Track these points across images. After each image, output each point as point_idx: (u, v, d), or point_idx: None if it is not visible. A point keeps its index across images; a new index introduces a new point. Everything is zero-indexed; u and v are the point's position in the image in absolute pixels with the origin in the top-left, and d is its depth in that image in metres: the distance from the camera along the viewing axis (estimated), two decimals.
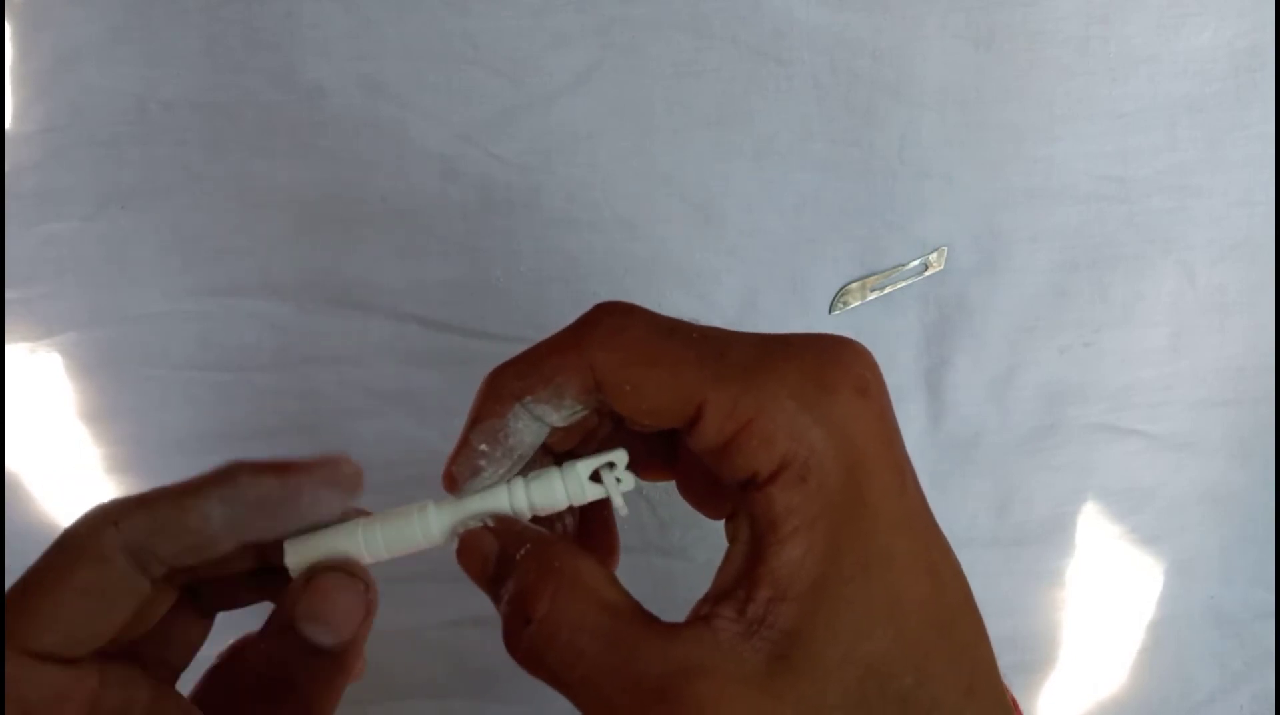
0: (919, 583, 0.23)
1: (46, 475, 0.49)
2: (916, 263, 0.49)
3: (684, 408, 0.23)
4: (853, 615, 0.22)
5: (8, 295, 0.48)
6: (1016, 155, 0.49)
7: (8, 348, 0.48)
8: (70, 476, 0.49)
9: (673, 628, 0.23)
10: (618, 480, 0.25)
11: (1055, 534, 0.51)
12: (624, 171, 0.48)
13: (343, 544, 0.26)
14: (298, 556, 0.26)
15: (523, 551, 0.24)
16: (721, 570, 0.24)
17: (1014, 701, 0.23)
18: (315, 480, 0.26)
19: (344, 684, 0.26)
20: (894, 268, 0.49)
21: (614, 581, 0.24)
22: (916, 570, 0.23)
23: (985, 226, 0.49)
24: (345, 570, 0.25)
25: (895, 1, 0.48)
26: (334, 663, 0.25)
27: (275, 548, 0.26)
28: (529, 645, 0.23)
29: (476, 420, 0.25)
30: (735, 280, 0.49)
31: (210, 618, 0.29)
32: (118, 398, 0.48)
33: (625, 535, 0.50)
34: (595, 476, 0.26)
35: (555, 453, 0.27)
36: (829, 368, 0.23)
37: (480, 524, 0.25)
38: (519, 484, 0.26)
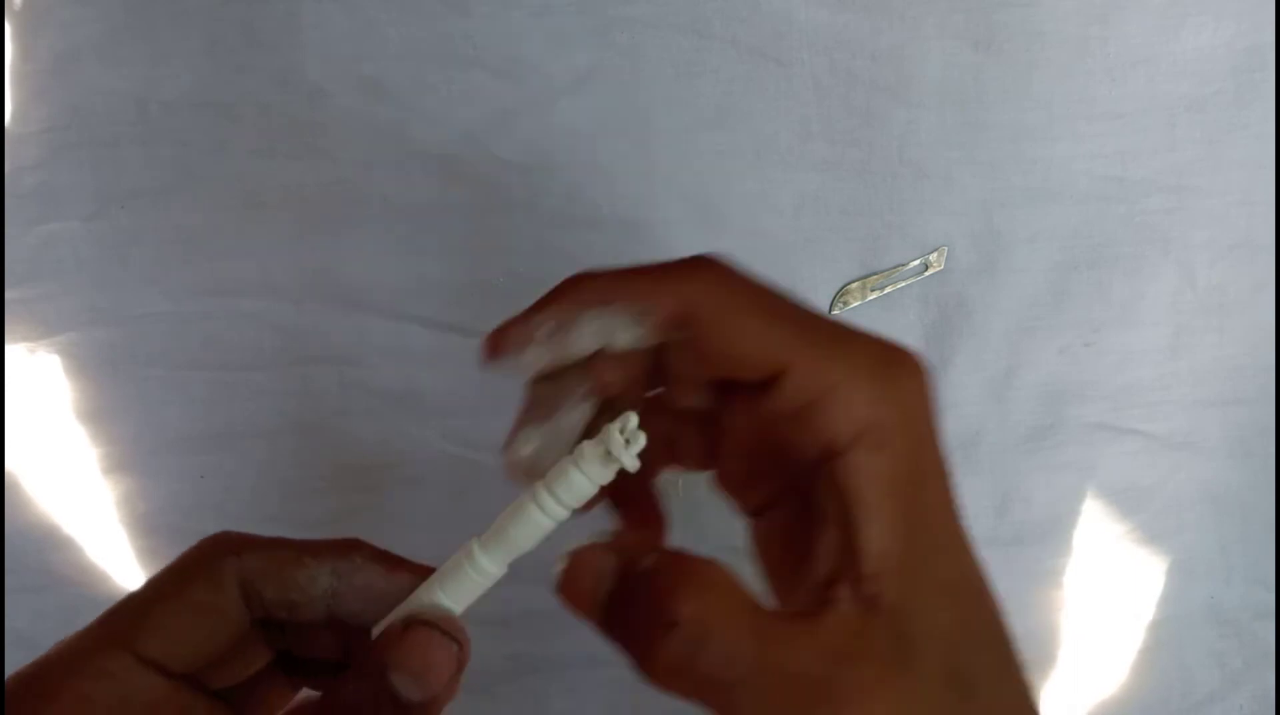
0: (973, 559, 0.24)
1: (46, 475, 0.49)
2: (916, 262, 0.49)
3: (769, 362, 0.23)
4: (933, 591, 0.23)
5: (7, 295, 0.48)
6: (1016, 155, 0.49)
7: (7, 347, 0.48)
8: (69, 476, 0.49)
9: (809, 619, 0.22)
10: (628, 442, 0.24)
11: (1054, 533, 0.51)
12: (624, 172, 0.48)
13: (460, 578, 0.26)
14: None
15: (650, 559, 0.23)
16: (819, 551, 0.23)
17: None
18: (324, 562, 0.26)
19: None
20: (894, 268, 0.49)
21: (740, 579, 0.23)
22: (968, 548, 0.24)
23: (985, 226, 0.49)
24: (441, 625, 0.25)
25: (895, 2, 0.48)
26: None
27: (363, 634, 0.26)
28: (677, 652, 0.21)
29: (545, 304, 0.25)
30: None
31: (296, 687, 0.29)
32: (117, 397, 0.48)
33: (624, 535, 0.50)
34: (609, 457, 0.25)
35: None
36: (899, 353, 0.25)
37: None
38: (541, 493, 0.25)
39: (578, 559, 0.24)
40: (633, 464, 0.24)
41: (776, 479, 0.26)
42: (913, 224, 0.49)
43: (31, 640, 0.48)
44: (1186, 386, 0.51)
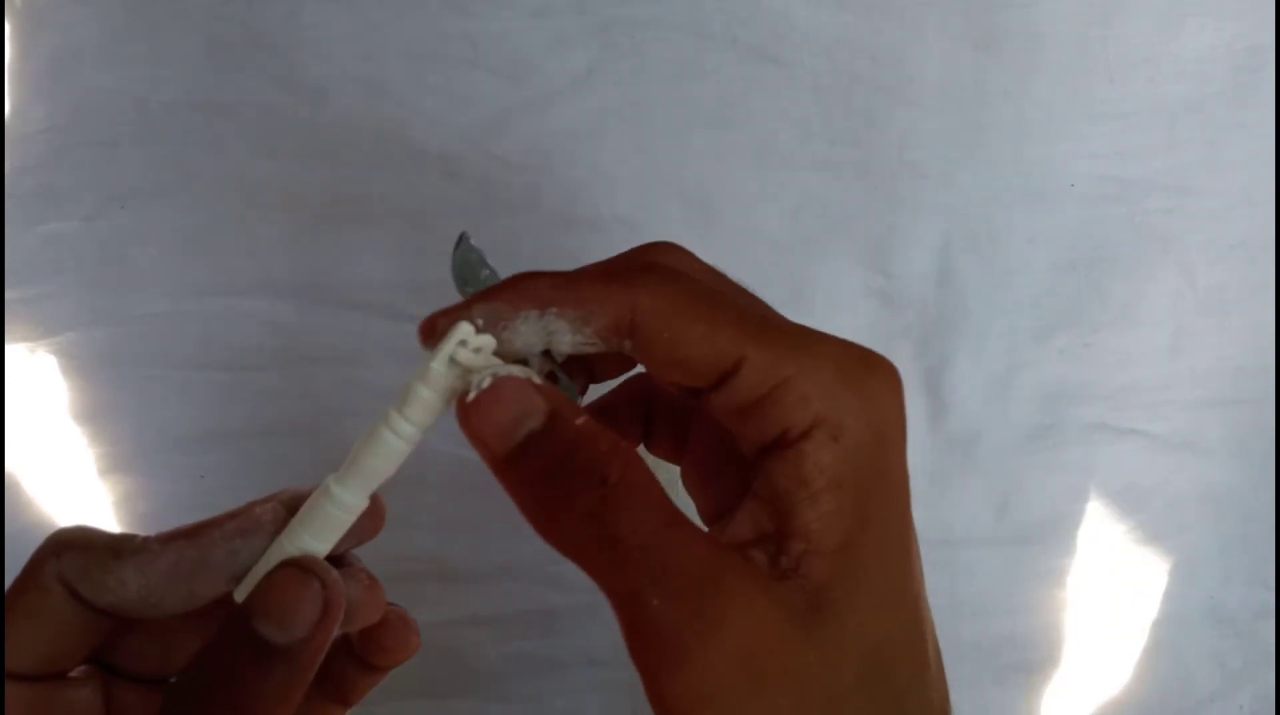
0: (916, 572, 0.24)
1: (46, 475, 0.49)
2: None
3: (720, 362, 0.23)
4: (872, 587, 0.22)
5: (7, 295, 0.48)
6: (1016, 156, 0.49)
7: (7, 348, 0.48)
8: (69, 476, 0.49)
9: (715, 537, 0.23)
10: (476, 351, 0.24)
11: (1055, 534, 0.51)
12: (624, 172, 0.48)
13: (319, 516, 0.25)
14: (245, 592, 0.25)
15: (583, 418, 0.23)
16: (739, 521, 0.23)
17: None
18: (227, 534, 0.25)
19: (297, 692, 0.24)
20: None
21: (655, 480, 0.23)
22: (915, 559, 0.24)
23: (984, 227, 0.49)
24: (300, 565, 0.24)
25: (895, 3, 0.48)
26: (286, 664, 0.24)
27: None
28: (594, 508, 0.22)
29: (482, 298, 0.24)
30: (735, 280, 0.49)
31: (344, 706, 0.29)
32: (117, 397, 0.48)
33: None
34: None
35: None
36: (868, 354, 0.24)
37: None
38: (392, 416, 0.24)
39: (504, 387, 0.23)
40: (482, 377, 0.24)
41: (733, 480, 0.26)
42: (913, 224, 0.49)
43: None
44: (1186, 387, 0.51)
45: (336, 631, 0.25)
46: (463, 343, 0.24)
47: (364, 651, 0.28)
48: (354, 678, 0.29)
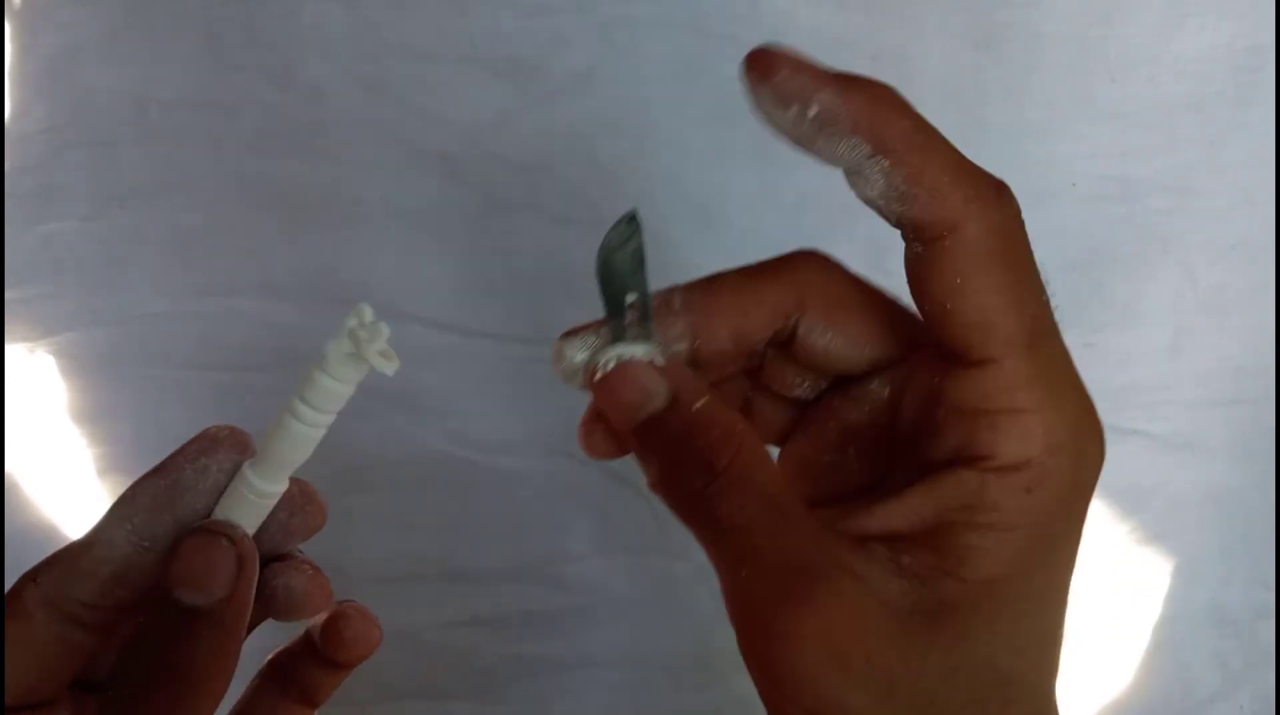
0: (1064, 626, 0.24)
1: (45, 475, 0.49)
2: None
3: (984, 343, 0.23)
4: (1013, 632, 0.23)
5: (7, 295, 0.48)
6: (1016, 155, 0.49)
7: (7, 348, 0.48)
8: (69, 477, 0.49)
9: (831, 527, 0.23)
10: (373, 336, 0.25)
11: None
12: (624, 171, 0.48)
13: (236, 500, 0.26)
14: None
15: (702, 402, 0.23)
16: (878, 513, 0.23)
17: None
18: (190, 455, 0.26)
19: (229, 653, 0.25)
20: None
21: (770, 463, 0.24)
22: (1059, 619, 0.24)
23: None
24: (207, 529, 0.25)
25: (895, 2, 0.48)
26: (212, 625, 0.24)
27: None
28: (701, 490, 0.23)
29: (833, 87, 0.23)
30: None
31: (310, 708, 0.30)
32: (116, 398, 0.48)
33: (624, 535, 0.50)
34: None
35: None
36: (1095, 416, 0.24)
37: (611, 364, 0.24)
38: (295, 403, 0.25)
39: (628, 370, 0.24)
40: (380, 363, 0.24)
41: (850, 474, 0.26)
42: None
43: None
44: (1187, 387, 0.51)
45: (318, 621, 0.27)
46: (359, 325, 0.24)
47: (326, 648, 0.29)
48: (318, 677, 0.30)
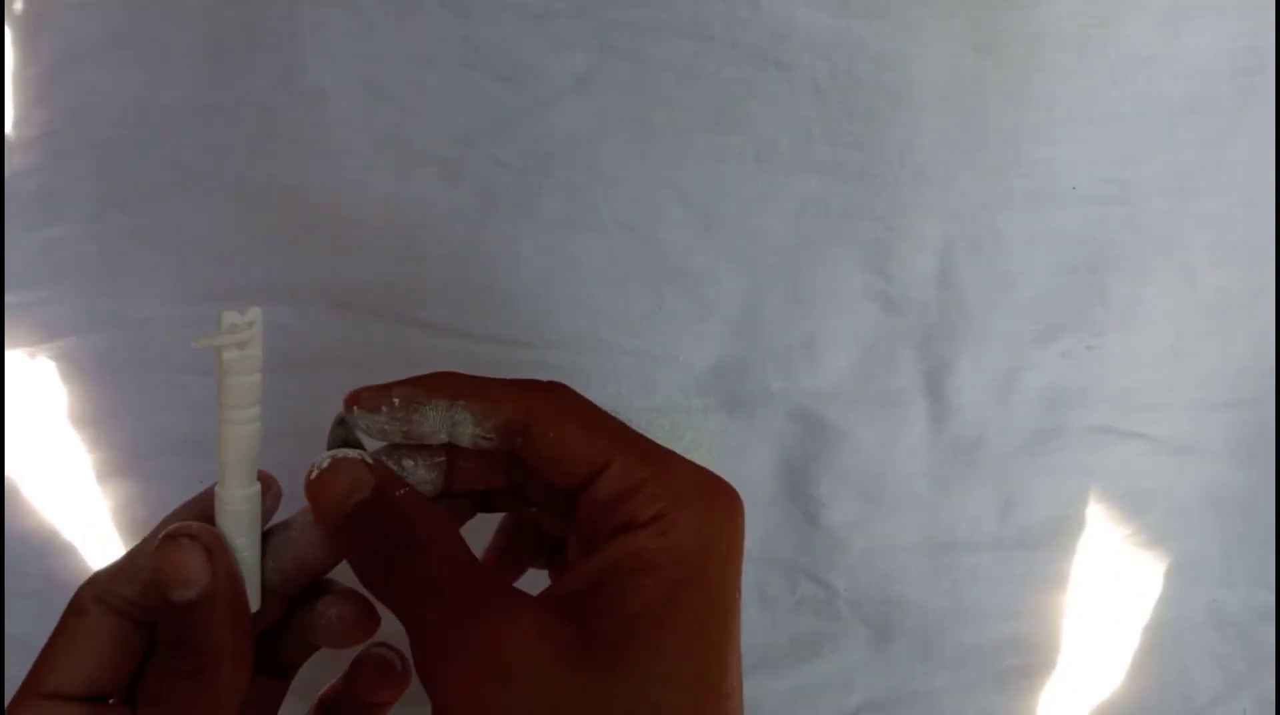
0: (736, 678, 0.27)
1: (45, 480, 0.49)
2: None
3: (592, 462, 0.28)
4: (667, 662, 0.26)
5: (7, 299, 0.48)
6: (1017, 158, 0.49)
7: (7, 352, 0.48)
8: (69, 481, 0.48)
9: (510, 588, 0.27)
10: (250, 324, 0.30)
11: (1057, 537, 0.51)
12: (624, 175, 0.48)
13: (224, 516, 0.29)
14: None
15: (403, 491, 0.29)
16: (562, 578, 0.28)
17: None
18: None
19: (234, 630, 0.28)
20: None
21: (461, 541, 0.28)
22: (734, 666, 0.27)
23: (986, 229, 0.49)
24: (171, 534, 0.28)
25: (895, 5, 0.48)
26: (203, 612, 0.28)
27: (304, 593, 0.31)
28: (401, 567, 0.27)
29: (403, 384, 0.29)
30: (736, 284, 0.49)
31: (286, 679, 0.33)
32: (117, 402, 0.48)
33: None
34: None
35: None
36: (715, 481, 0.29)
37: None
38: (224, 413, 0.30)
39: (344, 463, 0.29)
40: (240, 353, 0.30)
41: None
42: (914, 227, 0.49)
43: (32, 645, 0.48)
44: (1188, 389, 0.51)
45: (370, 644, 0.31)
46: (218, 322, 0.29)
47: (355, 688, 0.33)
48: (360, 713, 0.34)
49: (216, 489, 0.29)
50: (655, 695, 0.25)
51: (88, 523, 0.49)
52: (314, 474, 0.29)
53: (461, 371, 0.30)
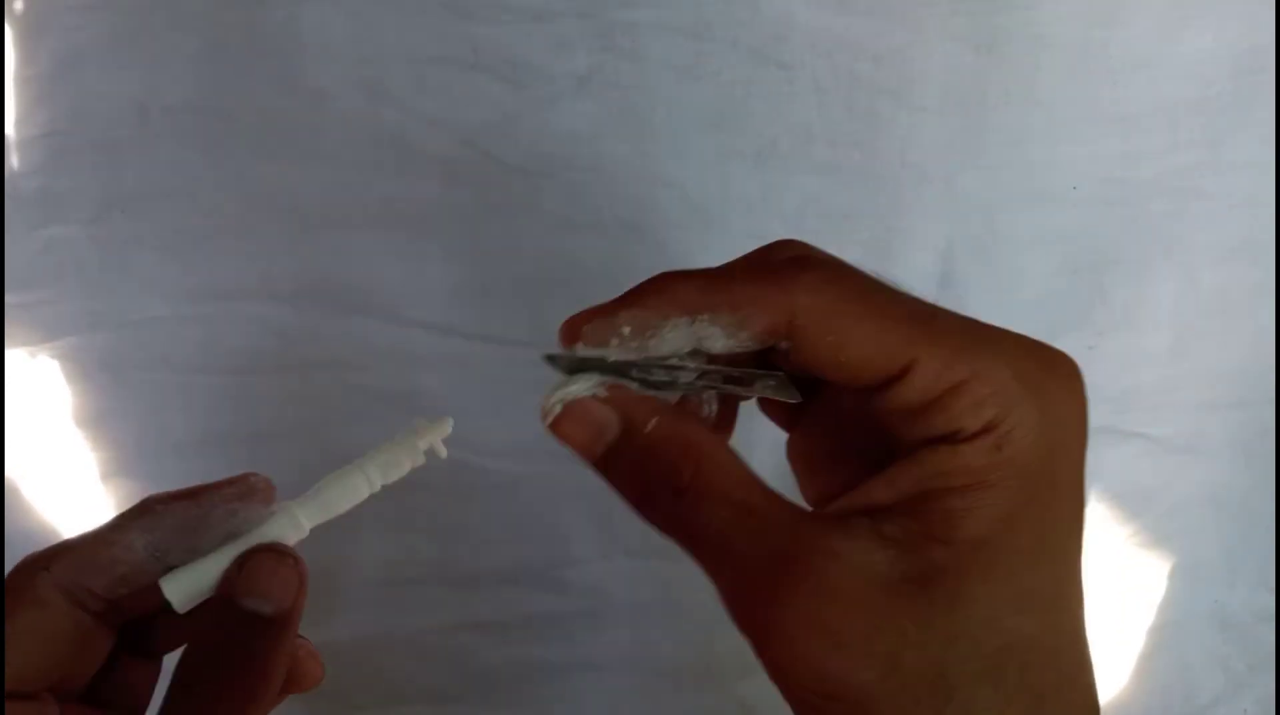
0: (1076, 581, 0.23)
1: (46, 480, 0.49)
2: None
3: (890, 365, 0.23)
4: (1013, 587, 0.22)
5: (8, 299, 0.48)
6: (1018, 158, 0.49)
7: (8, 352, 0.48)
8: (70, 481, 0.49)
9: (805, 511, 0.23)
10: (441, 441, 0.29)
11: None
12: (625, 175, 0.48)
13: (216, 570, 0.27)
14: (178, 589, 0.27)
15: (653, 423, 0.24)
16: (863, 490, 0.24)
17: None
18: (227, 496, 0.28)
19: (287, 651, 0.27)
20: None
21: (743, 461, 0.24)
22: (1076, 568, 0.23)
23: (987, 229, 0.49)
24: (274, 550, 0.27)
25: (896, 5, 0.48)
26: (276, 631, 0.27)
27: None
28: (673, 511, 0.23)
29: (633, 303, 0.24)
30: None
31: (158, 660, 0.31)
32: (118, 402, 0.48)
33: (626, 539, 0.50)
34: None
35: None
36: (1045, 349, 0.23)
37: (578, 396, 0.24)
38: (371, 470, 0.28)
39: (578, 407, 0.24)
40: (443, 452, 0.29)
41: (850, 469, 0.26)
42: (914, 227, 0.49)
43: None
44: (1189, 389, 0.51)
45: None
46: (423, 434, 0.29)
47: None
48: None
49: (295, 509, 0.28)
50: (1009, 625, 0.22)
51: (88, 522, 0.49)
52: (546, 422, 0.24)
53: (690, 271, 0.24)
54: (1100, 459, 0.51)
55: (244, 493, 0.28)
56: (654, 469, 0.24)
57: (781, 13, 0.47)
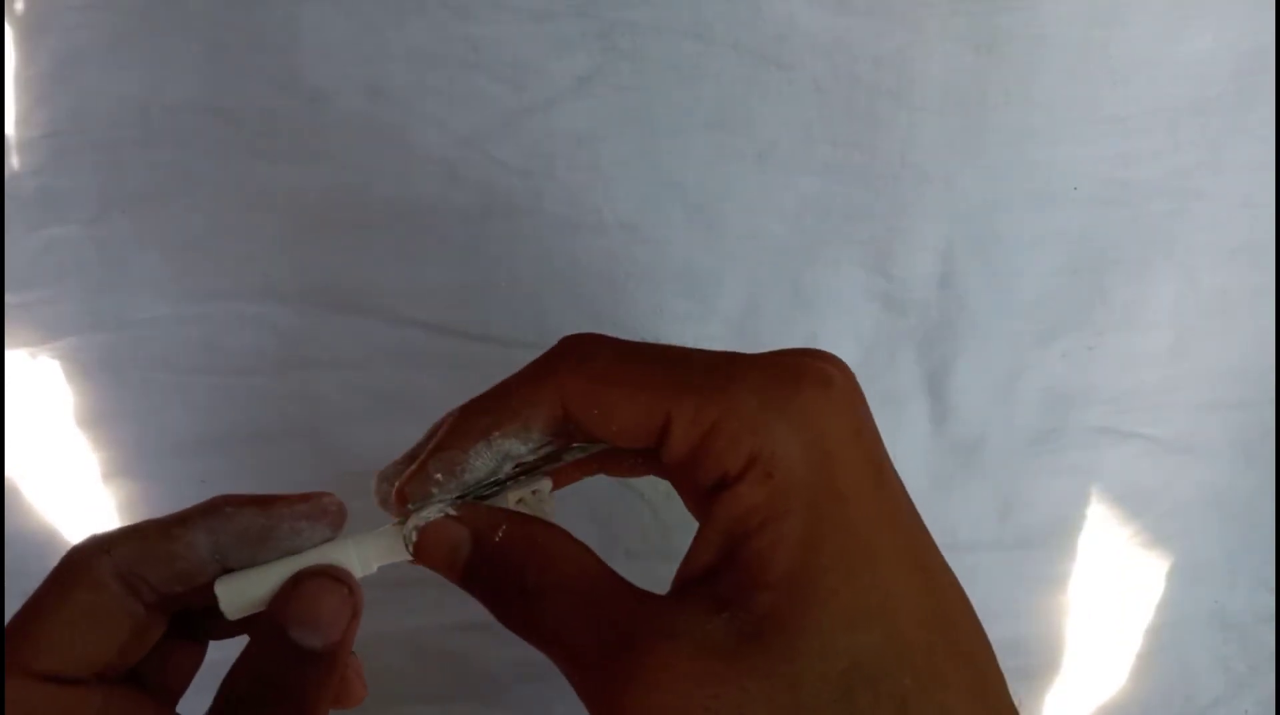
0: (908, 579, 0.23)
1: (46, 480, 0.49)
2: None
3: (651, 423, 0.24)
4: (837, 606, 0.22)
5: (8, 300, 0.48)
6: (1018, 158, 0.49)
7: (8, 352, 0.48)
8: (70, 481, 0.49)
9: (645, 594, 0.24)
10: (534, 493, 0.27)
11: (1058, 538, 0.51)
12: (626, 175, 0.48)
13: (272, 583, 0.26)
14: (232, 596, 0.26)
15: (501, 531, 0.25)
16: (688, 558, 0.24)
17: None
18: (296, 513, 0.27)
19: (334, 687, 0.26)
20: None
21: (589, 551, 0.25)
22: (903, 566, 0.23)
23: (987, 230, 0.49)
24: (330, 575, 0.26)
25: (896, 5, 0.48)
26: (324, 665, 0.26)
27: None
28: (523, 612, 0.24)
29: (439, 449, 0.26)
30: (737, 284, 0.49)
31: (204, 644, 0.30)
32: (118, 402, 0.48)
33: (628, 539, 0.50)
34: (522, 500, 0.27)
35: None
36: (790, 367, 0.24)
37: (440, 515, 0.26)
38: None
39: (432, 530, 0.26)
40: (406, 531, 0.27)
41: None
42: (915, 227, 0.49)
43: None
44: (1189, 390, 0.51)
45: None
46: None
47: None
48: None
49: (364, 535, 0.27)
50: (843, 645, 0.22)
51: (90, 523, 0.49)
52: (409, 551, 0.26)
53: (472, 400, 0.27)
54: (1100, 459, 0.51)
55: (314, 512, 0.27)
56: (504, 575, 0.25)
57: (782, 13, 0.48)
